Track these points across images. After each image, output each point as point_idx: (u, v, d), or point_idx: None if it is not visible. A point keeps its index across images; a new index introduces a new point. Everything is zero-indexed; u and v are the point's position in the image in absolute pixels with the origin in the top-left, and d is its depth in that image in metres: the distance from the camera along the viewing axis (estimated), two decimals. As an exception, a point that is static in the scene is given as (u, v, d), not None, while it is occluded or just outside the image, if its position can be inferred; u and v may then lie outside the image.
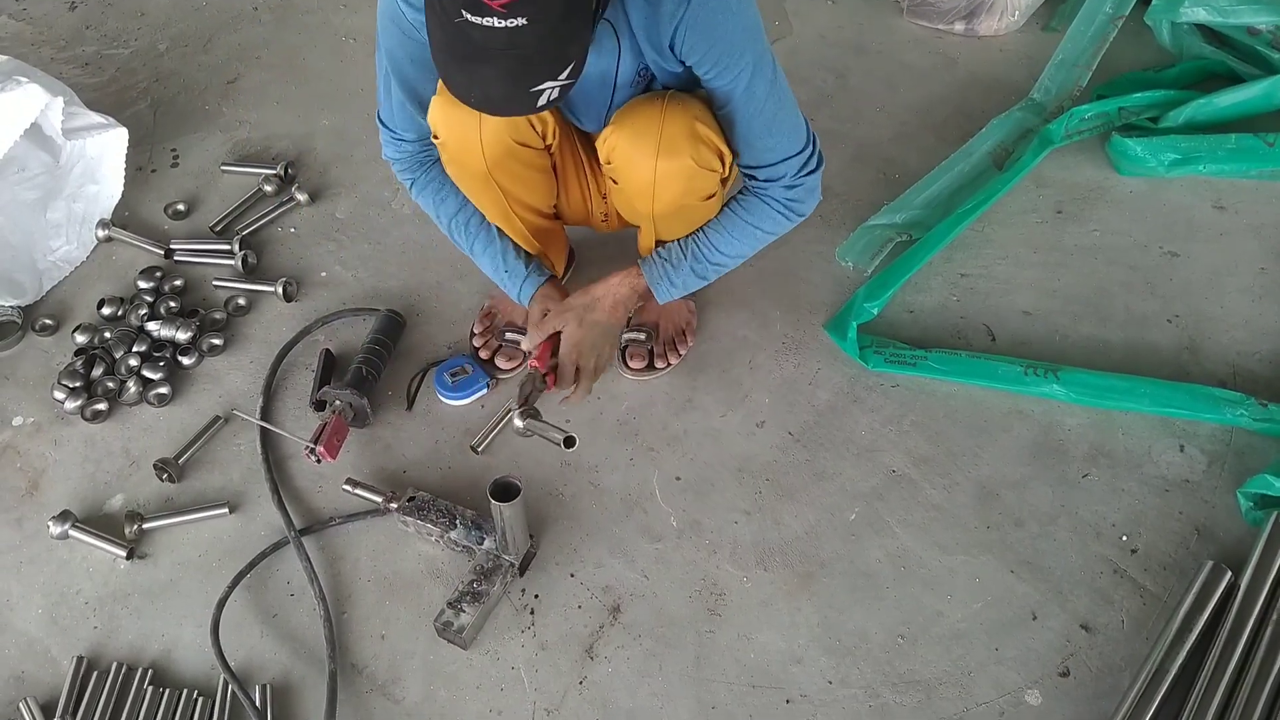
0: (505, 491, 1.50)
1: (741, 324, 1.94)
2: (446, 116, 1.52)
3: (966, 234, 2.04)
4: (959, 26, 2.53)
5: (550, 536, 1.66)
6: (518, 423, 1.59)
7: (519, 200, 1.68)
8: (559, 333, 1.65)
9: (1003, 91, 2.37)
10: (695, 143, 1.47)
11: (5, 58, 2.05)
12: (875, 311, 1.88)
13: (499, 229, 1.72)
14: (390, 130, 1.63)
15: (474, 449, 1.78)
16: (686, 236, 1.63)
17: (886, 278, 1.94)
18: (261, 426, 1.77)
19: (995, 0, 2.48)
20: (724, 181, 1.57)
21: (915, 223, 2.05)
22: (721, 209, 1.61)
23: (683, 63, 1.41)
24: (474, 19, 1.12)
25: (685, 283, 1.65)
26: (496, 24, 1.11)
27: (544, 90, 1.20)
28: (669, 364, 1.86)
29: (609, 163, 1.56)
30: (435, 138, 1.55)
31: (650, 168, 1.49)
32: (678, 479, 1.73)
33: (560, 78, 1.20)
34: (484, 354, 1.88)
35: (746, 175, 1.55)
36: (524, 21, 1.12)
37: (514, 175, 1.62)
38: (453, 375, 1.84)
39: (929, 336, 1.91)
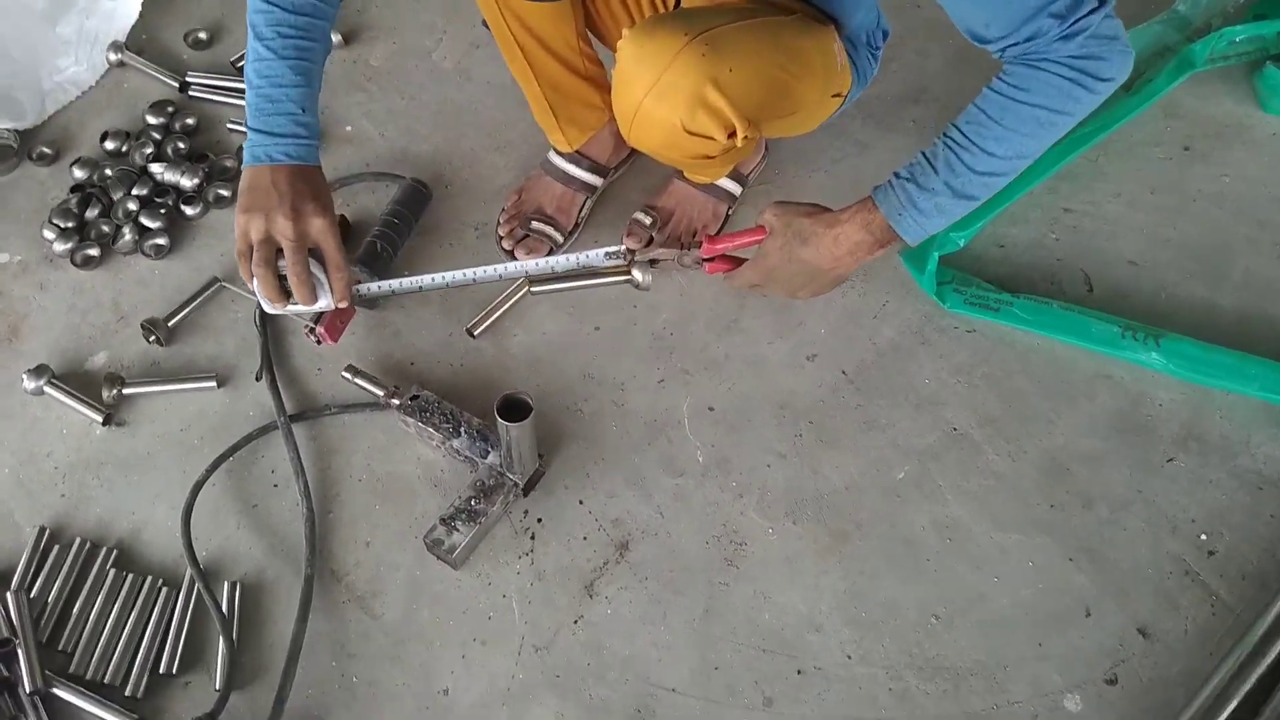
0: (514, 409, 1.33)
1: (805, 238, 1.71)
2: None
3: (1077, 162, 1.78)
4: (1101, -85, 2.19)
5: (562, 456, 1.50)
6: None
7: (520, 16, 1.42)
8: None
9: (1143, -2, 2.05)
10: (695, 106, 1.22)
11: None
12: (962, 243, 1.64)
13: (308, 62, 1.27)
14: None
15: (470, 332, 1.61)
16: (934, 144, 1.19)
17: (978, 204, 1.69)
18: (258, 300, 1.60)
19: (1148, -112, 2.13)
20: (735, 148, 1.29)
21: (1019, 143, 1.79)
22: (981, 94, 1.15)
23: None
24: None
25: (943, 208, 1.19)
26: None
27: None
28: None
29: (615, 65, 1.30)
30: None
31: (636, 101, 1.25)
32: (710, 409, 1.55)
33: None
34: (506, 244, 1.68)
35: (1000, 50, 1.11)
36: None
37: None
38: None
39: (1019, 277, 1.67)
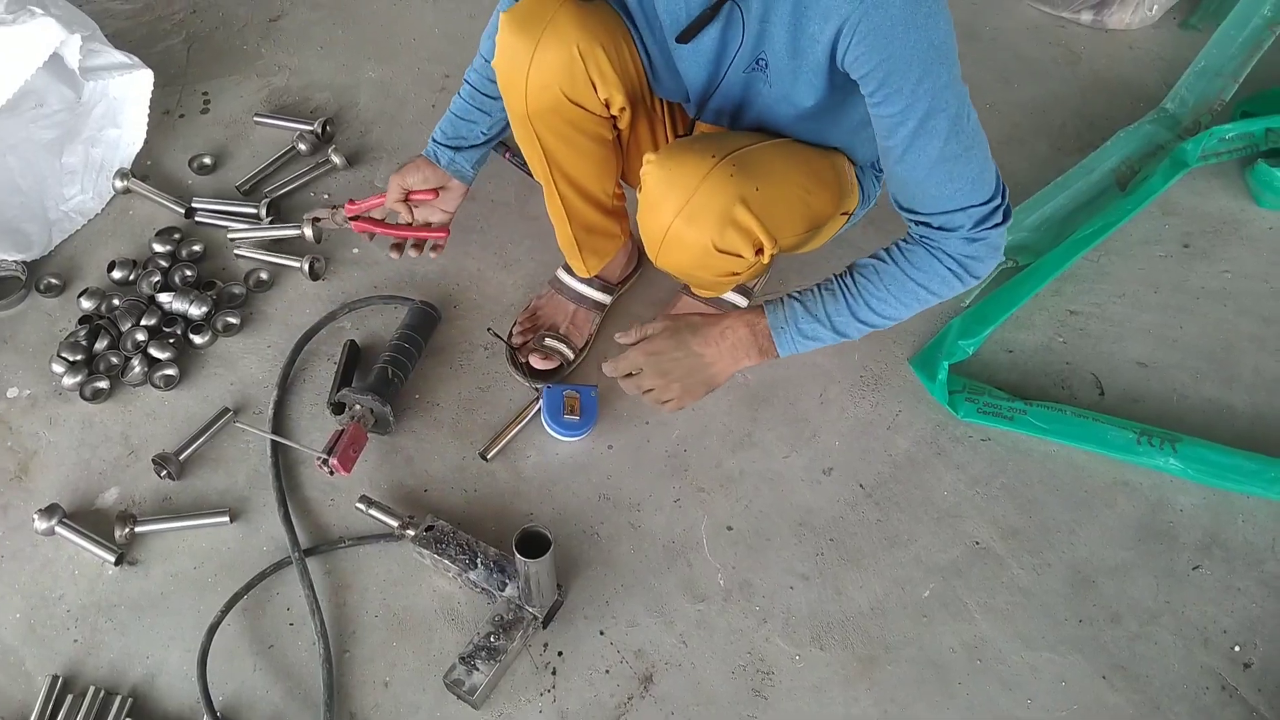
0: (533, 544, 1.32)
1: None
2: (504, 43, 1.35)
3: (1080, 264, 1.80)
4: (1086, 16, 2.25)
5: (580, 583, 1.48)
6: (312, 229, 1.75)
7: (563, 168, 1.48)
8: None
9: (1131, 97, 2.09)
10: (725, 225, 1.26)
11: (23, -19, 1.86)
12: (971, 351, 1.65)
13: (480, 103, 1.54)
14: None
15: (483, 456, 1.60)
16: (830, 280, 1.34)
17: (986, 310, 1.70)
18: (271, 438, 1.59)
19: (1130, -12, 2.19)
20: (761, 264, 1.35)
21: (1023, 247, 1.80)
22: (879, 254, 1.32)
23: (837, 72, 1.19)
24: None
25: (818, 335, 1.35)
26: None
27: None
28: None
29: (639, 190, 1.36)
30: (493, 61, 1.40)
31: (665, 223, 1.29)
32: (729, 529, 1.53)
33: None
34: (522, 355, 1.68)
35: (914, 223, 1.28)
36: None
37: (559, 134, 1.42)
38: (568, 405, 1.61)
39: (1029, 383, 1.68)
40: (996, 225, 1.24)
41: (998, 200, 1.24)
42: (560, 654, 1.42)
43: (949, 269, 1.27)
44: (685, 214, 1.27)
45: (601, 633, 1.44)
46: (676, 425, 1.64)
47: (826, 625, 1.44)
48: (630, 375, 1.43)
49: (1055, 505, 1.55)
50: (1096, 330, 1.74)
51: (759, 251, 1.31)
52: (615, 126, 1.46)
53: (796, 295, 1.35)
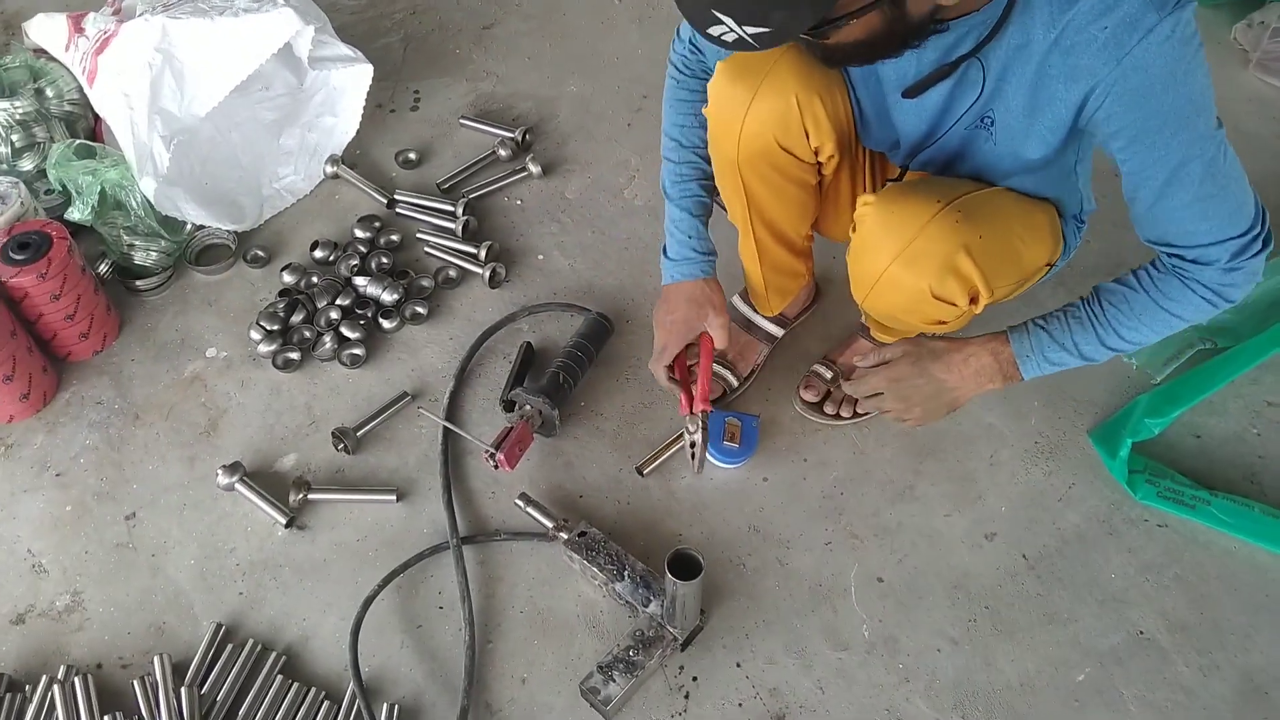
0: (684, 565, 1.32)
1: (990, 406, 1.67)
2: (719, 91, 1.37)
3: (1282, 355, 1.69)
4: (1317, 93, 2.12)
5: (722, 613, 1.48)
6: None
7: (763, 212, 1.49)
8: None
9: (1360, 182, 1.96)
10: (945, 273, 1.25)
11: (270, -26, 1.99)
12: (1157, 431, 1.57)
13: (703, 200, 1.51)
14: (683, 39, 1.48)
15: (639, 471, 1.62)
16: (1076, 308, 1.31)
17: (1177, 390, 1.62)
18: (446, 425, 1.65)
19: (1371, 67, 2.06)
20: (971, 314, 1.33)
21: (1224, 329, 1.71)
22: (1128, 281, 1.28)
23: (1076, 129, 1.18)
24: None
25: (1063, 363, 1.33)
26: None
27: (721, 22, 1.00)
28: (839, 415, 1.65)
29: (854, 230, 1.35)
30: (705, 108, 1.40)
31: (881, 266, 1.28)
32: (880, 580, 1.50)
33: (745, 28, 0.99)
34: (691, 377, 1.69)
35: (1166, 254, 1.24)
36: None
37: (766, 180, 1.43)
38: (728, 432, 1.62)
39: (1215, 472, 1.59)
40: (1256, 254, 1.20)
41: (1257, 229, 1.19)
42: (695, 679, 1.42)
43: (1204, 298, 1.23)
44: (905, 258, 1.27)
45: (738, 665, 1.43)
46: (836, 467, 1.62)
47: (972, 695, 1.39)
48: (871, 397, 1.45)
49: (1231, 605, 1.45)
50: (1296, 426, 1.63)
51: (973, 301, 1.29)
52: (820, 173, 1.46)
53: (1041, 323, 1.33)
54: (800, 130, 1.36)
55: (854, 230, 1.35)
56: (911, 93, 1.24)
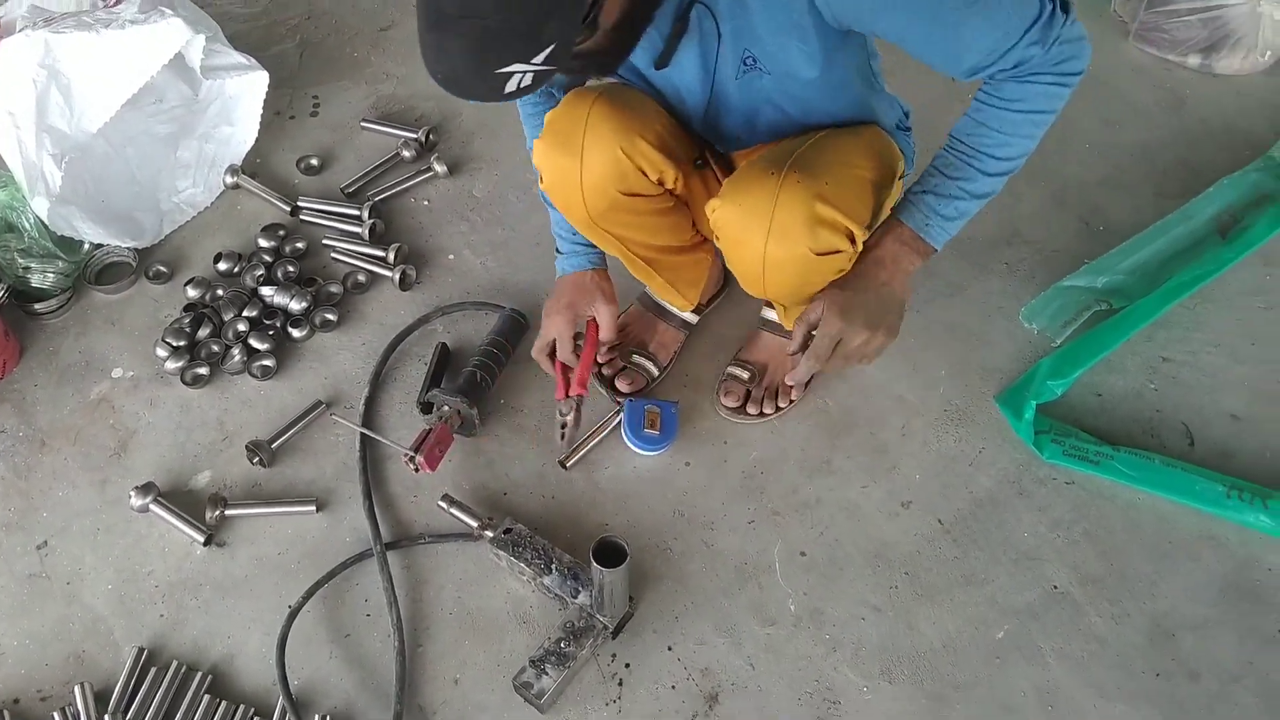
0: (609, 553, 1.33)
1: (898, 378, 1.71)
2: (549, 165, 1.40)
3: (1175, 311, 1.76)
4: (1193, 60, 2.21)
5: (651, 598, 1.49)
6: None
7: (639, 243, 1.53)
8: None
9: (1237, 145, 2.05)
10: (814, 226, 1.26)
11: (155, -17, 1.95)
12: (1060, 392, 1.63)
13: None
14: None
15: (562, 464, 1.63)
16: (941, 156, 1.29)
17: (1077, 351, 1.68)
18: (362, 431, 1.64)
19: (1242, 34, 2.15)
20: (855, 252, 1.33)
21: (1117, 290, 1.78)
22: (968, 112, 1.26)
23: (828, 30, 1.20)
24: None
25: (963, 211, 1.29)
26: None
27: (512, 74, 1.02)
28: (762, 413, 1.66)
29: (717, 237, 1.38)
30: (540, 180, 1.43)
31: (759, 252, 1.30)
32: (802, 554, 1.53)
33: (534, 61, 1.02)
34: (607, 371, 1.71)
35: (988, 77, 1.22)
36: None
37: (626, 222, 1.47)
38: (648, 419, 1.63)
39: (1116, 428, 1.65)
40: (1064, 24, 1.16)
41: (1049, 7, 1.15)
42: (628, 665, 1.43)
43: (1046, 84, 1.19)
44: (774, 236, 1.28)
45: (670, 648, 1.45)
46: (755, 447, 1.64)
47: (897, 659, 1.43)
48: (830, 360, 1.35)
49: (1138, 555, 1.51)
50: (1189, 379, 1.70)
51: (852, 240, 1.30)
52: (673, 194, 1.49)
53: (920, 189, 1.31)
54: (636, 172, 1.39)
55: (718, 237, 1.37)
56: (663, 60, 1.27)
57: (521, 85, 1.04)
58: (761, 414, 1.66)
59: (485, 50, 1.00)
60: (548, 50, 1.01)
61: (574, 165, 1.36)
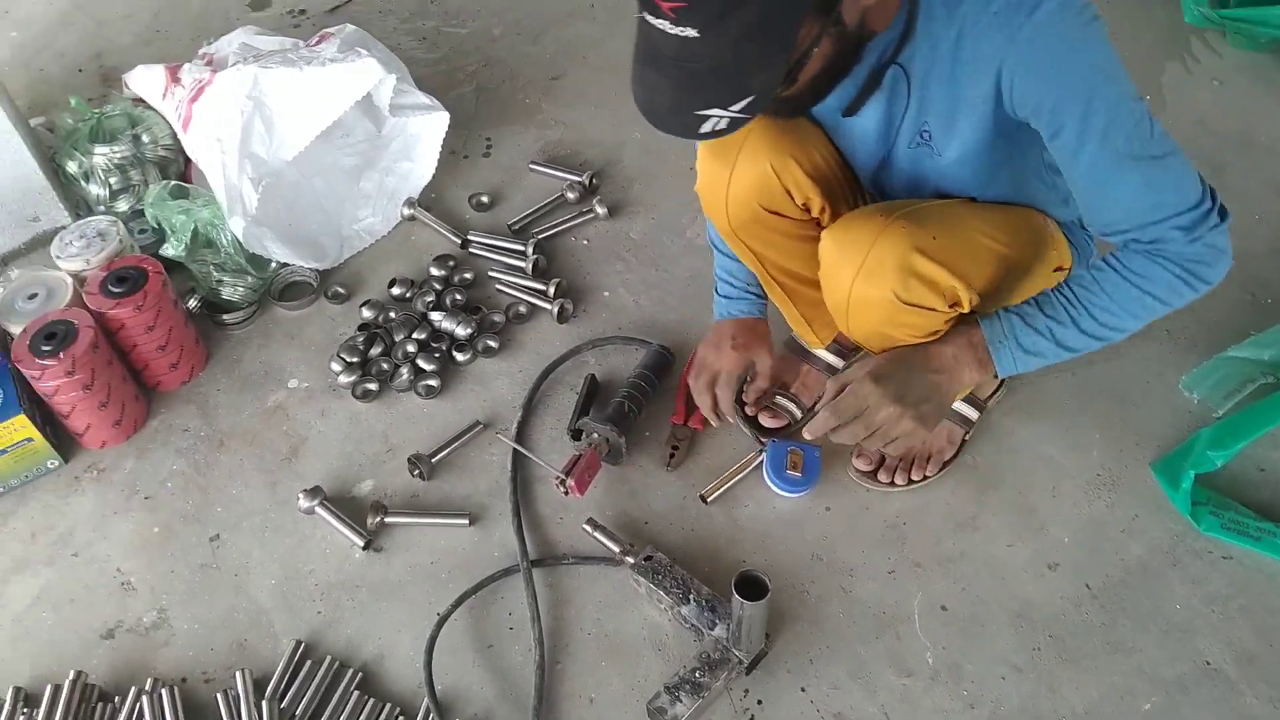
0: (750, 587, 1.36)
1: (1050, 439, 1.69)
2: (703, 169, 1.46)
3: (1350, 389, 1.69)
4: (1378, 134, 2.13)
5: (786, 638, 1.50)
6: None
7: (776, 264, 1.55)
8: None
9: None
10: (905, 275, 1.27)
11: (352, 28, 2.12)
12: (1219, 463, 1.58)
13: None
14: None
15: (703, 499, 1.66)
16: (1046, 293, 1.29)
17: (1240, 423, 1.63)
18: (515, 449, 1.71)
19: None
20: (952, 314, 1.33)
21: (1285, 365, 1.72)
22: (1094, 264, 1.27)
23: (1006, 119, 1.21)
24: (651, 19, 1.04)
25: (1039, 350, 1.28)
26: (668, 29, 1.02)
27: (710, 117, 1.07)
28: (893, 482, 1.64)
29: (819, 267, 1.40)
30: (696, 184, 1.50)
31: (846, 287, 1.32)
32: (943, 608, 1.52)
33: (732, 108, 1.06)
34: (750, 410, 1.74)
35: (1123, 243, 1.24)
36: (694, 33, 1.01)
37: (765, 240, 1.50)
38: (791, 461, 1.66)
39: (1279, 505, 1.59)
40: (1215, 227, 1.18)
41: (1207, 204, 1.18)
42: (760, 702, 1.44)
43: (1175, 275, 1.20)
44: (864, 273, 1.30)
45: (803, 689, 1.45)
46: (897, 497, 1.64)
47: (1037, 721, 1.40)
48: (848, 425, 1.34)
49: (1301, 638, 1.45)
50: (1364, 461, 1.63)
51: (955, 304, 1.31)
52: (819, 224, 1.50)
53: (1014, 309, 1.31)
54: (782, 192, 1.42)
55: (819, 266, 1.40)
56: (850, 109, 1.29)
57: (716, 128, 1.09)
58: (893, 483, 1.65)
59: (690, 93, 1.07)
60: (748, 100, 1.07)
61: (725, 172, 1.42)
